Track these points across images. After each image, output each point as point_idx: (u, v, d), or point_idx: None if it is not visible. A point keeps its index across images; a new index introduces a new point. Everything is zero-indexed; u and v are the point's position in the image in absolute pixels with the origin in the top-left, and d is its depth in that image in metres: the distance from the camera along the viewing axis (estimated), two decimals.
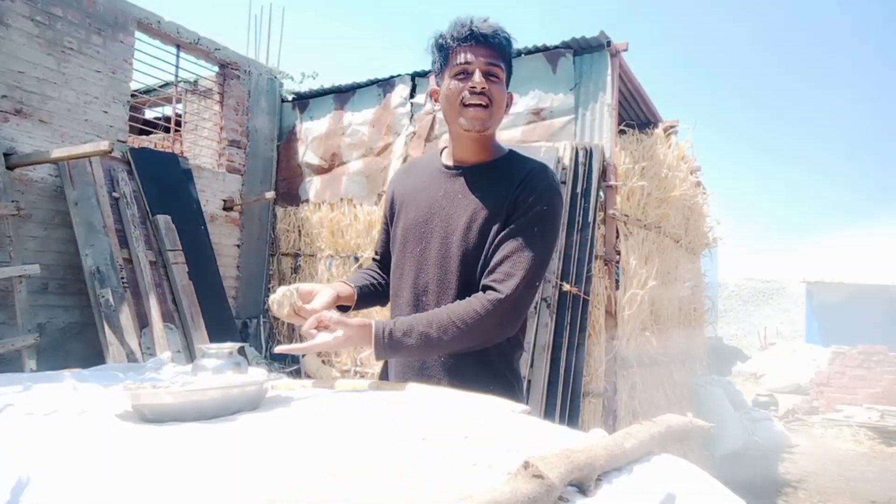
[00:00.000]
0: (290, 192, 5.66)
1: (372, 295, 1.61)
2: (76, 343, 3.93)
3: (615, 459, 0.84)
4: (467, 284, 1.34)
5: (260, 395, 1.17)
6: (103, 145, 3.39)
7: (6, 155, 3.73)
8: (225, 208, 5.27)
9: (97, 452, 0.83)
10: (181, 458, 0.81)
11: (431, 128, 4.86)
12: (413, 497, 0.63)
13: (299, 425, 1.01)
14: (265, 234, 5.69)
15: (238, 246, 5.45)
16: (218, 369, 1.22)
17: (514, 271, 1.28)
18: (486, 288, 1.30)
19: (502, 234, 1.32)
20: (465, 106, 1.33)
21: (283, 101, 5.87)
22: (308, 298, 1.45)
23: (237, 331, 4.91)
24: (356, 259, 5.15)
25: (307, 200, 5.53)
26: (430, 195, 1.42)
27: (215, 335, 4.08)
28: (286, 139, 5.78)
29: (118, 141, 4.22)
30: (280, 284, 5.66)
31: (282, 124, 5.85)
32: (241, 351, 1.24)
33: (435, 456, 0.84)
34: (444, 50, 1.34)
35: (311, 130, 5.59)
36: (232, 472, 0.75)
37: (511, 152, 1.43)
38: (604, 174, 4.15)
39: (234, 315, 5.07)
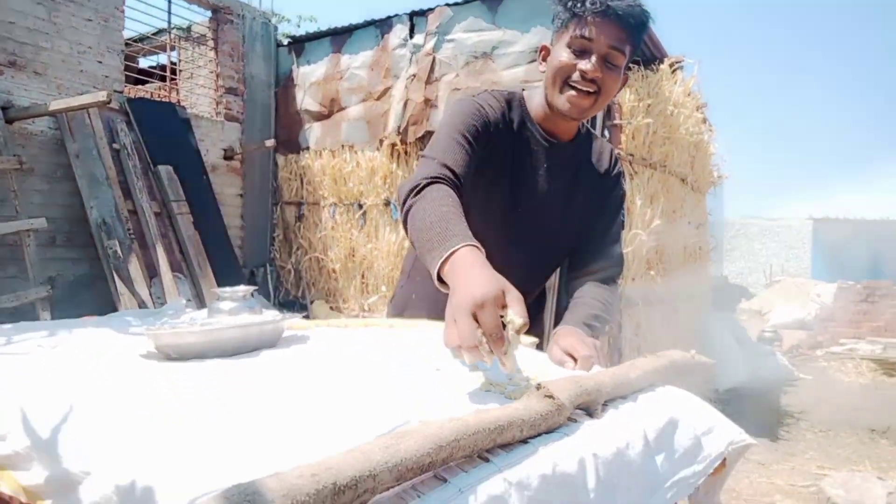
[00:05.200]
0: (290, 140, 5.60)
1: None
2: (88, 295, 3.99)
3: (621, 388, 0.88)
4: (556, 264, 1.39)
5: (277, 333, 1.21)
6: (101, 96, 3.35)
7: (3, 109, 3.69)
8: (225, 157, 5.24)
9: (128, 385, 0.87)
10: (206, 389, 0.85)
11: (431, 70, 4.77)
12: (431, 416, 0.66)
13: (317, 359, 1.05)
14: (267, 183, 5.68)
15: (241, 195, 5.45)
16: (233, 311, 1.25)
17: (619, 264, 1.39)
18: (598, 273, 1.34)
19: (598, 223, 1.37)
20: (570, 86, 1.21)
21: (278, 45, 5.74)
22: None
23: (245, 279, 4.97)
24: (360, 206, 5.15)
25: (307, 148, 5.49)
26: (527, 162, 1.31)
27: (223, 284, 4.12)
28: (283, 85, 5.68)
29: (115, 91, 4.16)
30: (284, 233, 5.71)
31: (278, 70, 5.74)
32: (254, 294, 1.26)
33: (449, 384, 0.88)
34: (569, 10, 1.19)
35: (309, 76, 5.49)
36: (256, 401, 0.79)
37: (587, 129, 1.41)
38: (608, 113, 4.10)
39: (242, 264, 5.11)
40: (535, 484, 0.60)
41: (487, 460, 0.60)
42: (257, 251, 5.56)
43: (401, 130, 4.82)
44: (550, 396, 0.70)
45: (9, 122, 3.69)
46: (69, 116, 3.84)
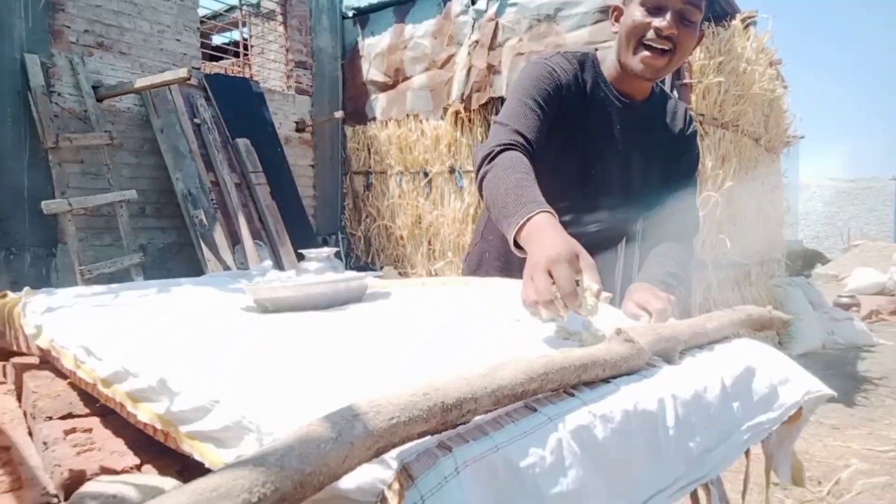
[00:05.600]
0: (357, 111, 5.71)
1: None
2: (176, 261, 4.26)
3: (697, 337, 0.91)
4: (630, 225, 1.40)
5: (362, 289, 1.29)
6: (182, 73, 3.52)
7: (94, 88, 3.94)
8: (297, 130, 5.40)
9: (237, 331, 0.96)
10: (306, 335, 0.94)
11: (494, 35, 4.74)
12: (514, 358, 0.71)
13: (403, 311, 1.12)
14: (337, 153, 5.83)
15: (312, 166, 5.61)
16: (319, 270, 1.34)
17: (695, 224, 1.40)
18: (674, 232, 1.34)
19: (673, 183, 1.37)
20: (644, 46, 1.20)
21: (343, 17, 5.82)
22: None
23: (319, 246, 5.15)
24: (426, 174, 5.22)
25: (374, 118, 5.59)
26: (601, 124, 1.31)
27: (299, 250, 4.32)
28: (349, 57, 5.78)
29: (193, 68, 4.35)
30: (354, 202, 5.87)
31: (344, 42, 5.83)
32: (337, 255, 1.35)
33: (529, 334, 0.93)
34: None
35: (374, 46, 5.56)
36: (355, 344, 0.87)
37: (660, 89, 1.40)
38: (677, 72, 3.97)
39: (315, 232, 5.30)
40: (618, 418, 0.65)
41: (572, 395, 0.65)
42: (329, 219, 5.75)
43: (464, 98, 4.83)
44: (631, 340, 0.74)
45: (99, 100, 3.94)
46: (153, 93, 4.05)
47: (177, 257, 4.25)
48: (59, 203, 3.49)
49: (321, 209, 5.68)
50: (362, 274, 1.33)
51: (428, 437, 0.52)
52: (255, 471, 0.37)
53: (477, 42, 4.83)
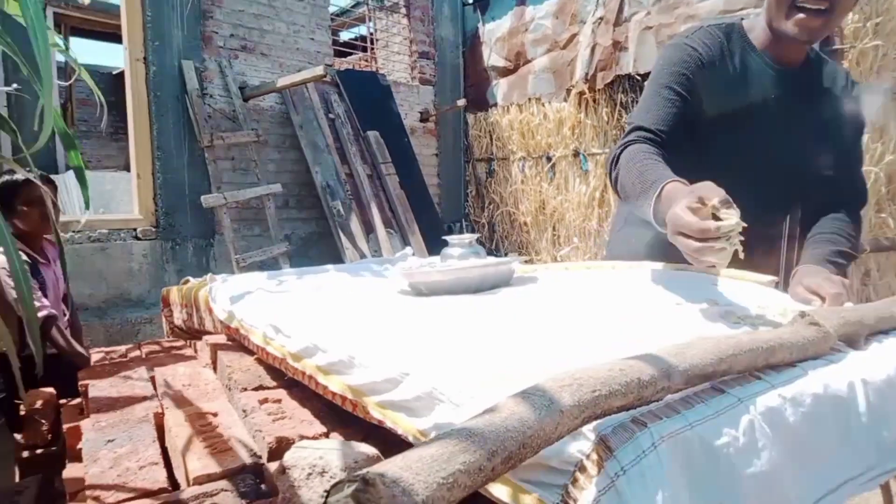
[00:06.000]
0: (478, 98, 5.76)
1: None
2: (316, 250, 4.55)
3: (883, 322, 0.86)
4: (794, 199, 1.35)
5: (510, 274, 1.33)
6: (319, 70, 3.74)
7: (241, 88, 4.28)
8: (421, 120, 5.55)
9: (402, 311, 1.03)
10: (469, 317, 0.98)
11: (620, 10, 4.58)
12: (689, 335, 0.71)
13: (557, 293, 1.14)
14: (459, 141, 5.92)
15: (436, 155, 5.75)
16: (462, 256, 1.39)
17: (862, 193, 1.35)
18: (839, 204, 1.30)
19: (836, 152, 1.30)
20: (798, 8, 1.14)
21: (464, 4, 5.88)
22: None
23: (445, 234, 5.28)
24: (548, 159, 5.17)
25: (495, 104, 5.61)
26: (755, 94, 1.26)
27: (427, 238, 4.46)
28: (470, 44, 5.83)
29: (326, 65, 4.60)
30: (476, 189, 5.95)
31: (465, 29, 5.90)
32: (479, 241, 1.39)
33: (693, 317, 0.92)
34: None
35: (494, 32, 5.57)
36: (517, 324, 0.90)
37: (815, 53, 1.34)
38: (826, 39, 3.64)
39: (440, 219, 5.44)
40: (808, 401, 0.63)
41: (759, 378, 0.65)
42: (453, 207, 5.87)
43: (588, 77, 4.72)
44: (816, 324, 0.71)
45: (245, 100, 4.27)
46: (291, 91, 4.33)
47: (317, 246, 4.54)
48: (216, 197, 3.84)
49: (445, 197, 5.81)
50: (509, 259, 1.36)
51: (623, 413, 0.55)
52: (485, 430, 0.42)
53: (601, 19, 4.69)
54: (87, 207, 1.61)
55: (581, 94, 4.84)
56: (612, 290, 1.13)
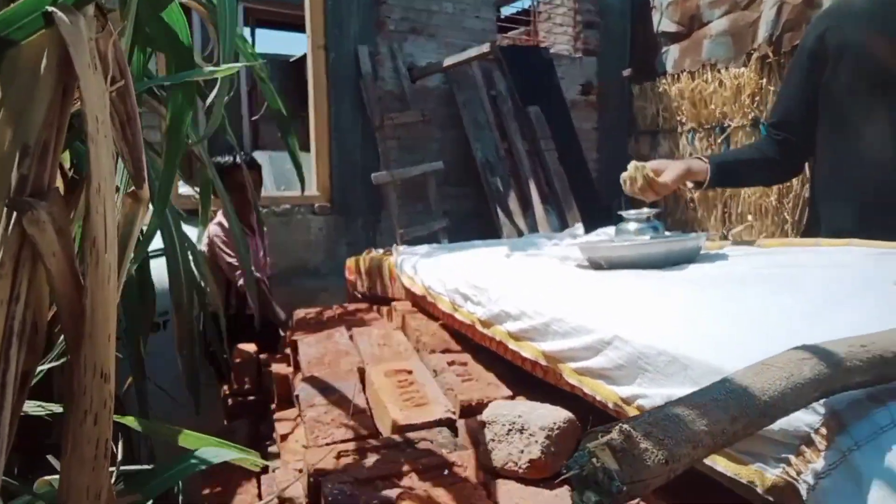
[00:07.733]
0: (644, 67, 5.48)
1: (739, 171, 1.51)
2: (473, 226, 4.65)
3: None
4: None
5: (697, 250, 1.27)
6: (485, 48, 3.79)
7: (409, 70, 4.46)
8: (583, 93, 5.41)
9: (585, 284, 1.04)
10: (660, 291, 0.97)
11: None
12: None
13: (756, 270, 1.07)
14: (622, 114, 5.69)
15: (596, 129, 5.59)
16: (639, 231, 1.35)
17: None
18: None
19: None
20: None
21: None
22: (658, 174, 1.47)
23: (604, 210, 5.15)
24: (722, 130, 4.81)
25: (664, 73, 5.30)
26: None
27: (585, 215, 4.37)
28: (638, 10, 5.55)
29: (491, 42, 4.64)
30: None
31: None
32: (658, 216, 1.36)
33: None
34: None
35: None
36: (715, 296, 0.87)
37: None
38: None
39: (598, 196, 5.31)
40: None
41: None
42: (612, 183, 5.68)
43: (773, 39, 4.29)
44: None
45: (413, 81, 4.45)
46: (455, 70, 4.43)
47: (474, 222, 4.64)
48: (384, 175, 4.07)
49: (605, 173, 5.63)
50: (696, 235, 1.31)
51: (859, 390, 0.52)
52: (728, 397, 0.42)
53: None
54: (303, 188, 1.77)
55: (764, 57, 4.42)
56: (820, 266, 1.05)
